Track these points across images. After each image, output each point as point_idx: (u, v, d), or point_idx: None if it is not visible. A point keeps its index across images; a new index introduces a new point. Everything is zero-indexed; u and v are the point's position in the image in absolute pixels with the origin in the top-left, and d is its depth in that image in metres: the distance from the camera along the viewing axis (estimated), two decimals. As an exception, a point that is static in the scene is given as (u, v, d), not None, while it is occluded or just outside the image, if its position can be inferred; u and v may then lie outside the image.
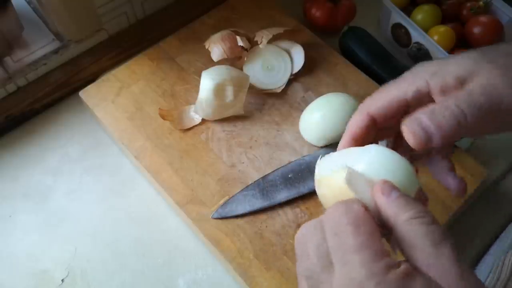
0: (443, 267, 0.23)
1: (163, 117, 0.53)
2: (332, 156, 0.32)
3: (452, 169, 0.36)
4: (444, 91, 0.31)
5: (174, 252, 0.49)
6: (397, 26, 0.63)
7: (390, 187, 0.27)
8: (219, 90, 0.50)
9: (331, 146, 0.52)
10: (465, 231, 0.53)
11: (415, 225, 0.25)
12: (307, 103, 0.55)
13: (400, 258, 0.25)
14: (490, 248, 0.52)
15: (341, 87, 0.57)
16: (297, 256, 0.28)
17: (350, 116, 0.51)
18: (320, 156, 0.33)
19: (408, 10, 0.64)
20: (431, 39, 0.59)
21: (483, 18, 0.61)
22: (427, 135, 0.30)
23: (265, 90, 0.55)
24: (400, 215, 0.25)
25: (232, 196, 0.48)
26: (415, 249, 0.25)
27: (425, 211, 0.26)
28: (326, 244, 0.26)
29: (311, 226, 0.27)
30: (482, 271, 0.48)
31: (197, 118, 0.53)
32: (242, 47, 0.54)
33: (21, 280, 0.47)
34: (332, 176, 0.29)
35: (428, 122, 0.30)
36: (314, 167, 0.32)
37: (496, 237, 0.54)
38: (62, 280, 0.47)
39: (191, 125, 0.53)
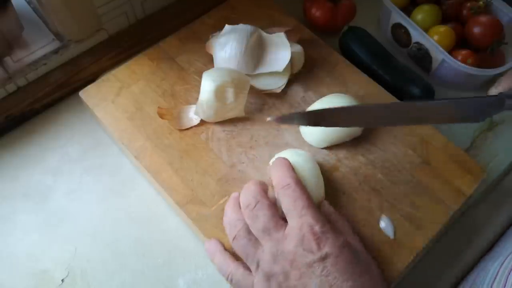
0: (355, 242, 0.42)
1: (161, 116, 0.53)
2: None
3: None
4: None
5: (174, 252, 0.49)
6: (397, 26, 0.63)
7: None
8: (220, 92, 0.50)
9: (332, 147, 0.52)
10: (465, 231, 0.53)
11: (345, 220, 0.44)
12: (307, 103, 0.55)
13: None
14: (491, 252, 0.52)
15: (341, 87, 0.57)
16: (248, 218, 0.41)
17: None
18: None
19: (408, 10, 0.64)
20: (431, 39, 0.59)
21: (483, 18, 0.61)
22: None
23: (265, 90, 0.55)
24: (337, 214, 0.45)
25: None
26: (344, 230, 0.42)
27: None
28: (275, 208, 0.41)
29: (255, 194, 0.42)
30: (484, 274, 0.48)
31: (196, 119, 0.53)
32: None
33: (21, 280, 0.47)
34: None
35: None
36: None
37: (497, 237, 0.54)
38: (62, 280, 0.47)
39: (190, 125, 0.53)
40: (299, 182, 0.41)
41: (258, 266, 0.39)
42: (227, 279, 0.42)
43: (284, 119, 0.44)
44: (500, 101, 0.42)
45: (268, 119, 0.43)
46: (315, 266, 0.36)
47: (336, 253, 0.36)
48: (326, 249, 0.36)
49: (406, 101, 0.44)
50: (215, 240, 0.44)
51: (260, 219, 0.40)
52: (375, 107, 0.44)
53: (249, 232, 0.41)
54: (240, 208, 0.43)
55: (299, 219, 0.38)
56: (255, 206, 0.41)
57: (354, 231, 0.43)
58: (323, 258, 0.36)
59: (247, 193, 0.42)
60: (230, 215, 0.44)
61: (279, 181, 0.41)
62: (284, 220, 0.41)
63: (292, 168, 0.43)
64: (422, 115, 0.43)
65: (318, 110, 0.45)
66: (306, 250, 0.37)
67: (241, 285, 0.41)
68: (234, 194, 0.46)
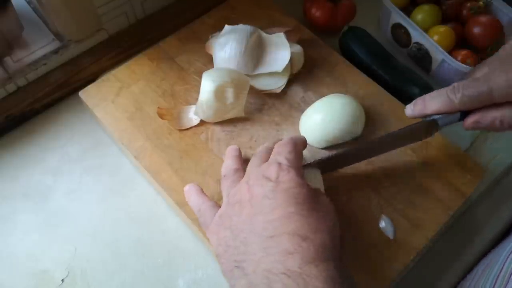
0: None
1: (161, 116, 0.53)
2: None
3: None
4: None
5: (174, 252, 0.49)
6: (397, 26, 0.63)
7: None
8: (219, 92, 0.50)
9: (332, 147, 0.52)
10: (465, 231, 0.53)
11: None
12: (307, 103, 0.55)
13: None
14: (494, 249, 0.52)
15: (341, 87, 0.57)
16: (255, 157, 0.43)
17: (351, 118, 0.52)
18: None
19: (408, 10, 0.64)
20: (431, 39, 0.59)
21: (483, 18, 0.61)
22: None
23: (265, 90, 0.55)
24: None
25: None
26: None
27: None
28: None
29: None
30: (484, 270, 0.48)
31: (196, 119, 0.53)
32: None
33: (21, 280, 0.47)
34: None
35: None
36: None
37: (496, 237, 0.54)
38: (62, 280, 0.47)
39: (189, 126, 0.53)
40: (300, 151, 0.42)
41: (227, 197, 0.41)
42: (196, 213, 0.44)
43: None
44: (434, 124, 0.46)
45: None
46: (267, 189, 0.37)
47: (291, 185, 0.37)
48: (283, 178, 0.38)
49: (366, 142, 0.51)
50: (194, 183, 0.47)
51: (259, 156, 0.43)
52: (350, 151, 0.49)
53: (239, 173, 0.43)
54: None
55: (274, 155, 0.40)
56: (266, 149, 0.44)
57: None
58: (277, 184, 0.37)
59: (264, 145, 0.46)
60: (228, 160, 0.46)
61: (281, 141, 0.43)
62: None
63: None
64: (377, 150, 0.49)
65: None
66: (265, 177, 0.38)
67: (205, 215, 0.42)
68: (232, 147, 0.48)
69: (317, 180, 0.47)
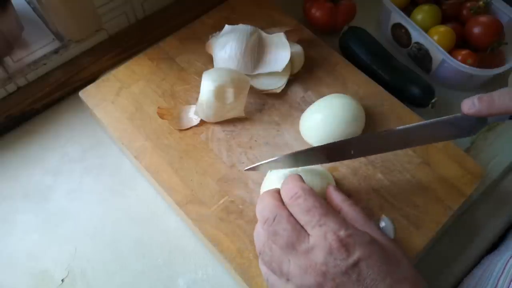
0: (372, 231, 0.39)
1: (161, 116, 0.53)
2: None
3: None
4: None
5: (174, 252, 0.49)
6: (397, 26, 0.63)
7: (336, 188, 0.43)
8: (219, 92, 0.50)
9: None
10: (465, 231, 0.53)
11: (354, 208, 0.41)
12: (307, 103, 0.55)
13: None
14: (495, 251, 0.52)
15: (340, 87, 0.57)
16: (269, 234, 0.38)
17: (351, 118, 0.52)
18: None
19: (408, 10, 0.64)
20: (431, 39, 0.59)
21: (483, 18, 0.61)
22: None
23: (265, 90, 0.55)
24: (345, 202, 0.41)
25: None
26: (355, 220, 0.39)
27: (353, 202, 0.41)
28: (294, 218, 0.38)
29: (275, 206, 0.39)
30: (484, 272, 0.48)
31: (196, 119, 0.53)
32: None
33: (21, 280, 0.47)
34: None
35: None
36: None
37: (497, 237, 0.54)
38: (62, 280, 0.47)
39: (189, 126, 0.53)
40: (310, 190, 0.39)
41: (288, 280, 0.37)
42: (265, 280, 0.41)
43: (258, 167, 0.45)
44: (484, 120, 0.42)
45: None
46: (350, 273, 0.35)
47: (367, 254, 0.35)
48: (357, 253, 0.35)
49: (396, 128, 0.44)
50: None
51: (281, 235, 0.37)
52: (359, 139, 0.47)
53: (271, 247, 0.39)
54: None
55: (320, 228, 0.36)
56: (273, 221, 0.38)
57: (366, 215, 0.41)
58: (356, 263, 0.35)
59: (263, 208, 0.40)
60: (257, 227, 0.41)
61: (286, 192, 0.39)
62: None
63: (300, 179, 0.41)
64: (413, 139, 0.45)
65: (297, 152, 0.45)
66: (337, 259, 0.35)
67: None
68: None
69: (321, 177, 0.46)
